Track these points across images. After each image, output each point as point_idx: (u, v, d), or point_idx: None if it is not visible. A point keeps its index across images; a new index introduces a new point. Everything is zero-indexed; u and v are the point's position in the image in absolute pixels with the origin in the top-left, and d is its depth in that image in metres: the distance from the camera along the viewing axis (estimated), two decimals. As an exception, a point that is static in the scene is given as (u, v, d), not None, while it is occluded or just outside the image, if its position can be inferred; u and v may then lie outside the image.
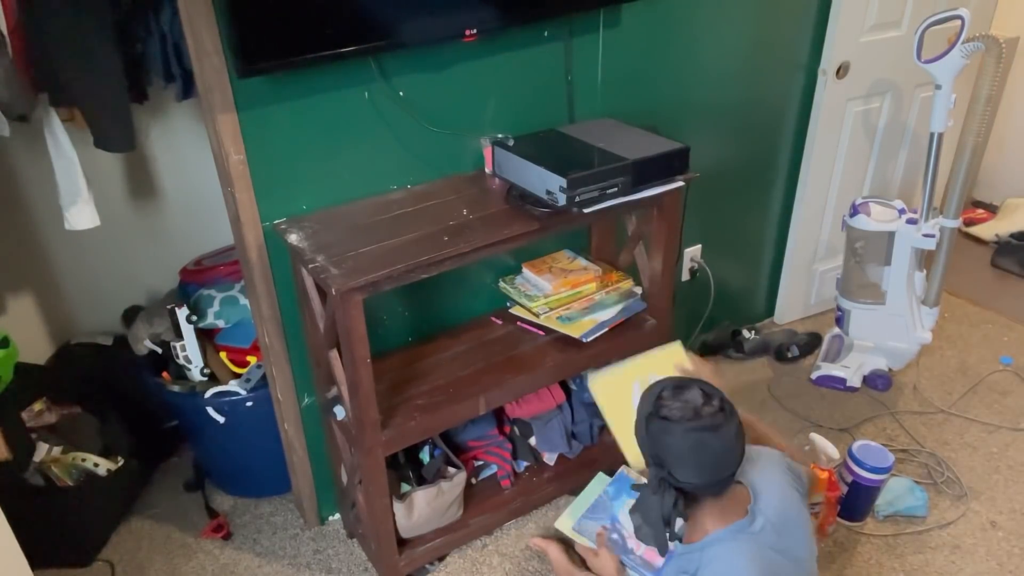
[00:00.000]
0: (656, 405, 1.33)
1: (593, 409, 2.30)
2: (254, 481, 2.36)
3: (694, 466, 1.30)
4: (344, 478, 2.10)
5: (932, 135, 2.39)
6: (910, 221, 2.43)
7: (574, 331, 2.02)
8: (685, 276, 2.72)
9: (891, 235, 2.46)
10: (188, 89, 1.97)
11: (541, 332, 2.10)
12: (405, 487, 2.01)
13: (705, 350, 2.90)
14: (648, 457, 1.36)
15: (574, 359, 2.04)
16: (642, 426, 1.35)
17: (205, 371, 2.18)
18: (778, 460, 1.49)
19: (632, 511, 1.40)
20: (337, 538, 2.24)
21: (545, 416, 2.21)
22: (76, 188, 2.01)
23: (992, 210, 3.79)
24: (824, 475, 2.06)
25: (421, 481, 2.02)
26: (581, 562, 1.97)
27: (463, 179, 2.00)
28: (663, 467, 1.32)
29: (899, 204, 2.50)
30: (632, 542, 1.81)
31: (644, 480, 1.55)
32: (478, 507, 2.13)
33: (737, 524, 1.35)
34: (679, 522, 1.35)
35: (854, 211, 2.49)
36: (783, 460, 1.50)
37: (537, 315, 2.05)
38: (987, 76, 2.24)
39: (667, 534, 1.34)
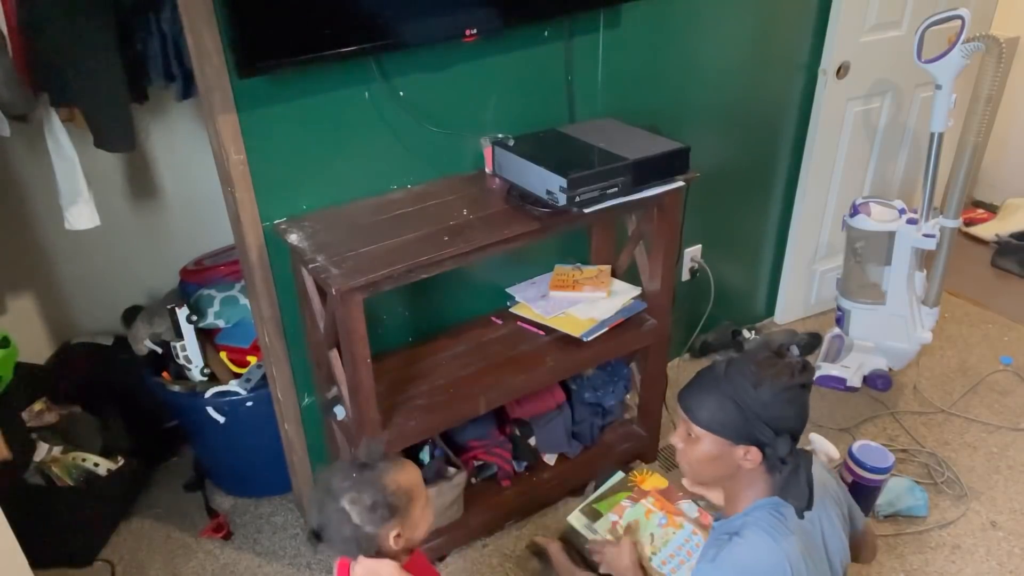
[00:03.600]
0: (755, 376, 1.31)
1: (593, 409, 2.30)
2: (254, 481, 2.36)
3: (801, 422, 1.33)
4: (344, 478, 2.09)
5: (932, 135, 2.39)
6: (910, 221, 2.43)
7: (574, 331, 2.02)
8: (685, 276, 2.72)
9: (891, 235, 2.46)
10: (188, 89, 1.97)
11: (541, 332, 2.10)
12: (405, 487, 2.00)
13: (705, 350, 2.90)
14: (761, 433, 1.31)
15: (574, 359, 2.04)
16: (747, 403, 1.31)
17: (205, 371, 2.18)
18: (824, 464, 1.52)
19: (783, 491, 1.37)
20: (337, 538, 2.23)
21: (545, 416, 2.21)
22: (76, 188, 2.01)
23: (992, 210, 3.80)
24: (824, 475, 2.06)
25: (421, 481, 2.02)
26: (581, 561, 1.97)
27: (463, 179, 1.99)
28: (785, 433, 1.31)
29: (899, 204, 2.50)
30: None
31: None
32: (478, 507, 2.13)
33: (777, 498, 1.37)
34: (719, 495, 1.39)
35: (854, 211, 2.49)
36: (830, 470, 1.53)
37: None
38: (987, 76, 2.24)
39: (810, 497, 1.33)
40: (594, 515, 1.99)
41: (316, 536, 1.29)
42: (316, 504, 1.30)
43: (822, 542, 1.40)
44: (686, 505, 1.96)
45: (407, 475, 1.34)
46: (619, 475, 2.08)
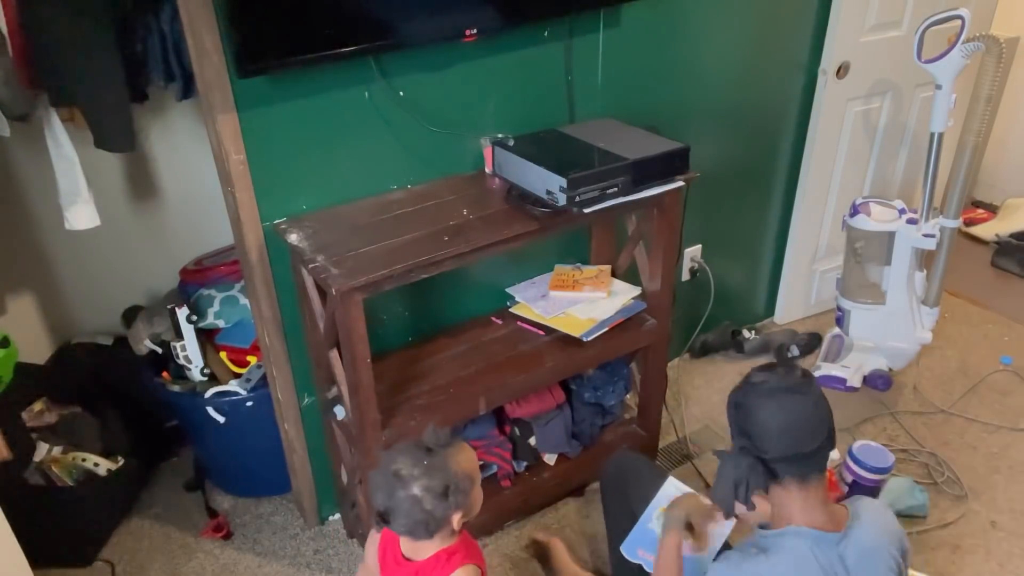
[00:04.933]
0: (746, 384, 1.38)
1: (593, 409, 2.30)
2: (254, 481, 2.36)
3: (777, 432, 1.32)
4: (344, 478, 2.10)
5: (932, 135, 2.39)
6: (910, 221, 2.43)
7: (574, 331, 2.02)
8: (685, 276, 2.72)
9: (891, 235, 2.46)
10: (188, 89, 1.97)
11: (541, 332, 2.10)
12: (405, 487, 2.00)
13: (705, 350, 2.90)
14: (735, 431, 1.38)
15: (574, 359, 2.04)
16: (730, 409, 1.39)
17: (205, 371, 2.18)
18: (897, 526, 1.43)
19: (716, 478, 1.41)
20: (337, 538, 2.24)
21: (545, 416, 2.21)
22: (76, 188, 2.01)
23: (992, 210, 3.79)
24: (824, 475, 2.06)
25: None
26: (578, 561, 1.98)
27: (463, 179, 1.99)
28: (747, 437, 1.35)
29: (899, 204, 2.50)
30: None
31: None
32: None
33: (827, 535, 1.33)
34: (759, 505, 1.37)
35: (854, 211, 2.49)
36: (902, 533, 1.44)
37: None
38: (987, 76, 2.24)
39: (735, 499, 1.35)
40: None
41: (383, 518, 1.33)
42: (383, 489, 1.32)
43: None
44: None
45: (468, 458, 1.38)
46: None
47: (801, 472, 1.34)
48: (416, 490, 1.29)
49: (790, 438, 1.32)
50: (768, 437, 1.32)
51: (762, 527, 1.42)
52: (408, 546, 1.40)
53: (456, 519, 1.35)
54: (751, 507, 1.37)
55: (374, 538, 1.48)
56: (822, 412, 1.34)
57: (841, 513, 1.39)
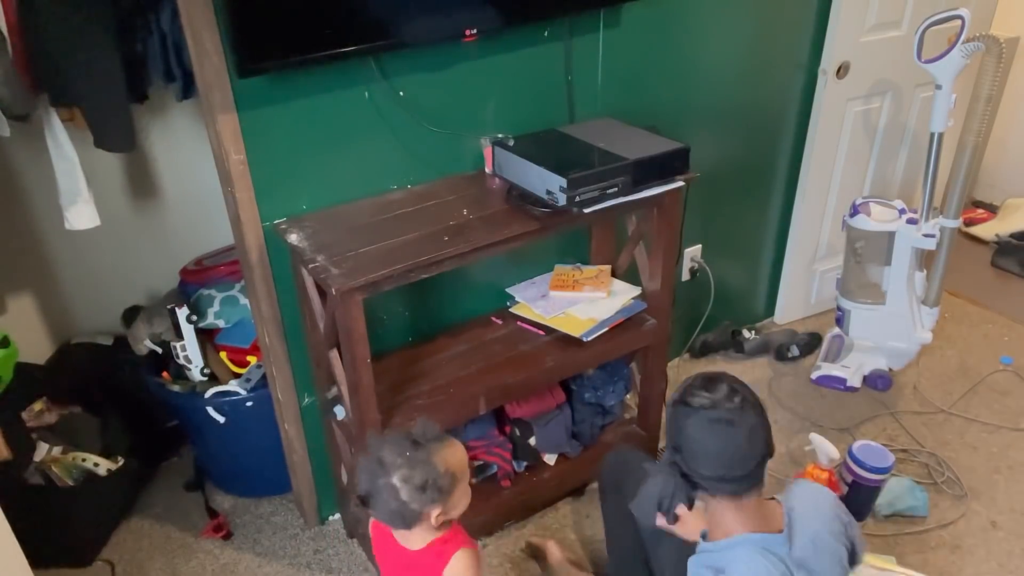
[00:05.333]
0: (683, 392, 1.36)
1: (593, 409, 2.30)
2: (254, 481, 2.36)
3: (702, 454, 1.32)
4: (344, 478, 2.10)
5: (932, 135, 2.39)
6: (910, 221, 2.43)
7: (574, 331, 2.02)
8: (685, 276, 2.72)
9: (891, 235, 2.46)
10: (188, 89, 1.97)
11: (541, 332, 2.10)
12: (405, 487, 2.00)
13: (705, 350, 2.90)
14: (668, 440, 1.39)
15: (574, 359, 2.04)
16: (669, 410, 1.38)
17: (205, 371, 2.18)
18: (831, 504, 1.44)
19: (640, 491, 1.42)
20: (337, 538, 2.24)
21: (545, 416, 2.21)
22: (76, 188, 2.01)
23: (992, 210, 3.80)
24: (824, 475, 2.06)
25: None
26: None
27: (463, 179, 1.99)
28: (678, 452, 1.34)
29: (899, 204, 2.50)
30: None
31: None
32: (478, 507, 2.12)
33: (771, 536, 1.33)
34: (693, 515, 1.38)
35: (854, 211, 2.49)
36: (837, 506, 1.44)
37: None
38: (987, 76, 2.24)
39: (656, 513, 1.36)
40: None
41: (363, 501, 1.34)
42: (367, 473, 1.34)
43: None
44: None
45: (455, 456, 1.37)
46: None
47: (733, 491, 1.34)
48: (395, 479, 1.30)
49: (720, 464, 1.32)
50: (697, 459, 1.32)
51: (703, 535, 1.43)
52: (399, 535, 1.41)
53: (434, 515, 1.34)
54: (672, 520, 1.40)
55: (372, 523, 1.49)
56: (755, 443, 1.32)
57: (777, 511, 1.39)
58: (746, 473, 1.32)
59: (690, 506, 1.38)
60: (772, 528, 1.35)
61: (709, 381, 1.36)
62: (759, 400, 1.35)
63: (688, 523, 1.47)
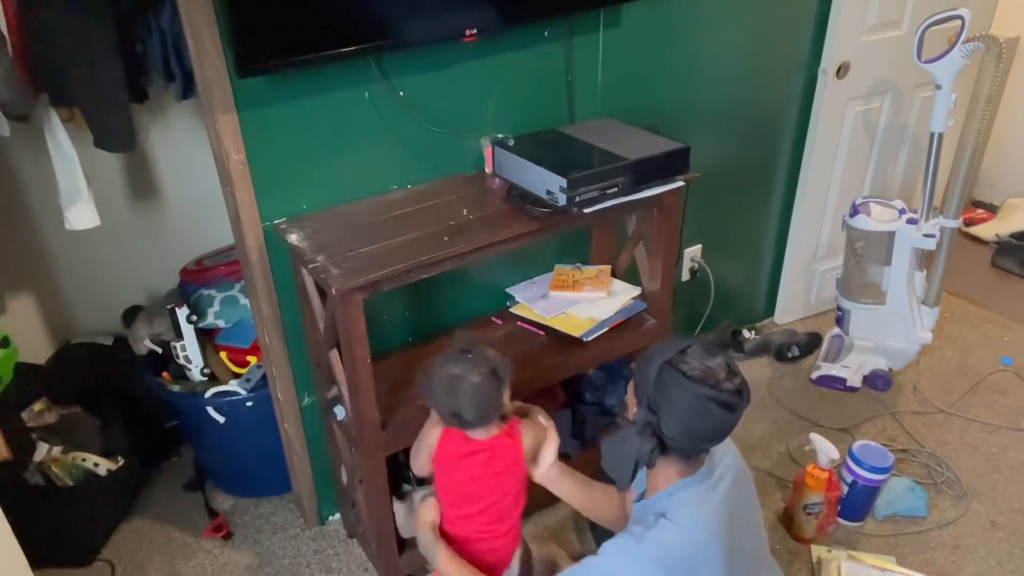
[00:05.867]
0: (678, 356, 1.31)
1: (593, 409, 2.30)
2: (254, 481, 2.36)
3: (686, 428, 1.31)
4: (344, 478, 2.10)
5: (932, 135, 2.39)
6: (910, 221, 2.43)
7: (574, 331, 2.02)
8: (685, 276, 2.72)
9: (891, 235, 2.46)
10: (188, 89, 1.97)
11: (541, 332, 2.10)
12: (405, 487, 2.00)
13: (705, 350, 2.89)
14: (643, 399, 1.35)
15: (574, 359, 2.04)
16: (652, 368, 1.33)
17: (205, 371, 2.18)
18: (732, 447, 1.52)
19: (607, 443, 1.40)
20: (337, 538, 2.24)
21: (545, 416, 2.21)
22: (76, 188, 2.01)
23: (992, 210, 3.80)
24: (824, 475, 2.06)
25: (421, 481, 2.02)
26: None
27: (463, 179, 1.99)
28: (655, 414, 1.32)
29: (899, 204, 2.50)
30: None
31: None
32: (478, 507, 2.12)
33: (701, 472, 1.39)
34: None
35: (854, 211, 2.49)
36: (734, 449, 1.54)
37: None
38: (987, 76, 2.24)
39: (632, 475, 1.36)
40: None
41: (456, 417, 1.51)
42: (446, 392, 1.50)
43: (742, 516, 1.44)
44: None
45: (493, 349, 1.59)
46: None
47: (691, 456, 1.38)
48: (475, 379, 1.49)
49: (696, 437, 1.33)
50: (674, 426, 1.31)
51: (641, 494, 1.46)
52: (476, 433, 1.58)
53: (507, 395, 1.57)
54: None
55: (430, 443, 1.62)
56: (735, 422, 1.33)
57: (702, 457, 1.44)
58: (713, 447, 1.37)
59: (651, 465, 1.37)
60: (700, 465, 1.41)
61: (707, 352, 1.32)
62: (747, 383, 1.36)
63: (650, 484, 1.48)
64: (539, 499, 2.23)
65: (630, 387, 1.44)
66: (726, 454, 1.47)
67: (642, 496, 1.48)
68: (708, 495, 1.37)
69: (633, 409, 1.41)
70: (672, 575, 1.28)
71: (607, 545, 1.36)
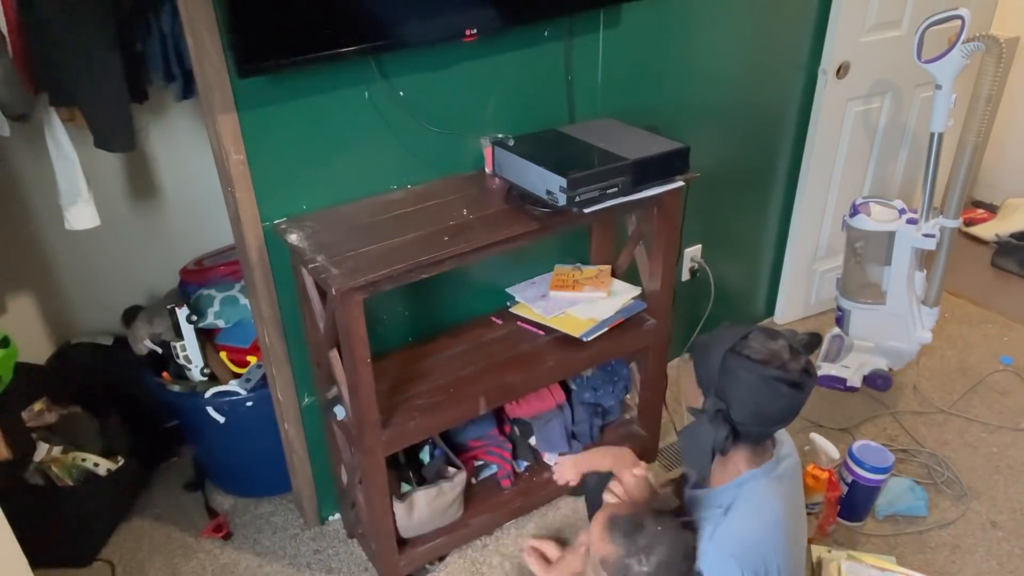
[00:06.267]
0: (740, 343, 1.34)
1: (593, 409, 2.30)
2: (254, 481, 2.36)
3: (757, 411, 1.33)
4: (344, 478, 2.10)
5: (932, 135, 2.39)
6: (910, 221, 2.43)
7: (574, 331, 2.02)
8: (685, 276, 2.72)
9: (891, 235, 2.46)
10: (188, 89, 1.97)
11: (541, 332, 2.10)
12: (405, 487, 2.01)
13: (705, 350, 2.90)
14: (710, 388, 1.37)
15: (574, 359, 2.04)
16: (715, 358, 1.35)
17: (205, 371, 2.18)
18: (789, 438, 1.56)
19: (683, 435, 1.42)
20: (337, 538, 2.24)
21: (545, 416, 2.21)
22: (76, 188, 2.01)
23: (992, 210, 3.80)
24: (824, 475, 2.07)
25: (421, 481, 2.02)
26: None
27: (463, 179, 1.99)
28: (724, 401, 1.34)
29: (899, 204, 2.50)
30: None
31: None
32: (478, 507, 2.13)
33: (767, 465, 1.41)
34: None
35: (854, 211, 2.49)
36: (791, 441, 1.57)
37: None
38: (987, 76, 2.24)
39: (711, 463, 1.38)
40: None
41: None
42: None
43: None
44: None
45: None
46: None
47: (760, 440, 1.40)
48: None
49: (768, 420, 1.35)
50: (746, 411, 1.33)
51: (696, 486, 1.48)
52: None
53: None
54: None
55: None
56: (804, 402, 1.36)
57: (770, 441, 1.47)
58: (782, 427, 1.40)
59: (724, 452, 1.38)
60: (768, 457, 1.43)
61: (769, 336, 1.35)
62: (812, 362, 1.38)
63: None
64: (539, 499, 2.24)
65: (690, 381, 1.46)
66: (786, 445, 1.49)
67: (697, 484, 1.50)
68: (776, 486, 1.40)
69: (698, 401, 1.42)
70: (745, 566, 1.31)
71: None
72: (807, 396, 1.34)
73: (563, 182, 1.70)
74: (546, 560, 1.89)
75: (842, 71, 2.58)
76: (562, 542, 2.10)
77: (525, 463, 2.24)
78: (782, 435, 1.50)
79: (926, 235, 2.41)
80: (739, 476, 1.41)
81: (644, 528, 1.37)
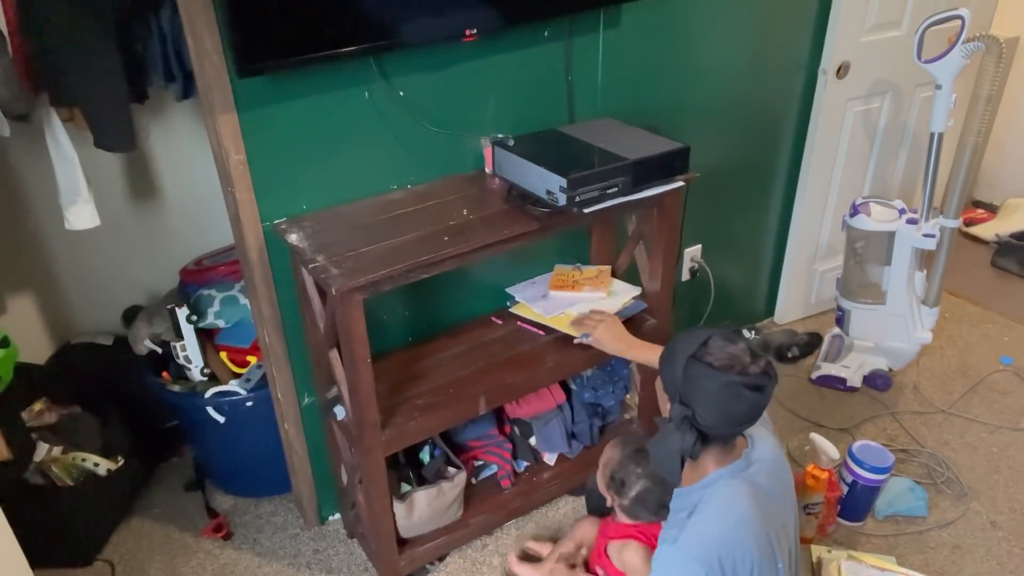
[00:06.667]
0: (701, 350, 1.34)
1: (593, 409, 2.30)
2: (254, 481, 2.36)
3: (722, 416, 1.33)
4: (344, 478, 2.10)
5: (932, 135, 2.39)
6: (910, 221, 2.43)
7: (574, 331, 2.02)
8: (685, 276, 2.72)
9: (891, 235, 2.46)
10: (188, 89, 1.97)
11: (541, 332, 2.10)
12: (405, 487, 2.00)
13: (705, 350, 2.90)
14: (675, 395, 1.38)
15: (574, 359, 2.04)
16: (678, 364, 1.35)
17: (205, 371, 2.18)
18: (765, 418, 1.53)
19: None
20: (337, 538, 2.24)
21: (545, 416, 2.21)
22: (76, 188, 2.01)
23: (992, 210, 3.80)
24: (824, 475, 2.06)
25: (421, 481, 2.02)
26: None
27: (463, 179, 1.99)
28: (689, 408, 1.34)
29: (899, 204, 2.50)
30: None
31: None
32: (478, 507, 2.13)
33: (735, 465, 1.41)
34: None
35: (854, 211, 2.49)
36: (767, 419, 1.54)
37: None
38: (987, 76, 2.24)
39: (680, 469, 1.38)
40: None
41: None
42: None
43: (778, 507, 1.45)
44: None
45: None
46: None
47: (729, 440, 1.40)
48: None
49: (732, 421, 1.35)
50: (710, 416, 1.33)
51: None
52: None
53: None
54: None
55: None
56: (767, 402, 1.36)
57: (741, 441, 1.46)
58: (748, 427, 1.39)
59: (695, 457, 1.39)
60: (737, 456, 1.42)
61: (727, 340, 1.35)
62: (772, 362, 1.39)
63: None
64: (539, 499, 2.24)
65: (659, 385, 1.47)
66: (763, 445, 1.47)
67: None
68: (743, 486, 1.39)
69: (666, 407, 1.44)
70: (713, 568, 1.30)
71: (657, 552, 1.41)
72: (770, 397, 1.34)
73: (563, 182, 1.70)
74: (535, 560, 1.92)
75: (842, 71, 2.58)
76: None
77: (525, 463, 2.24)
78: (761, 436, 1.48)
79: (926, 235, 2.41)
80: (706, 477, 1.41)
81: (644, 450, 1.53)
